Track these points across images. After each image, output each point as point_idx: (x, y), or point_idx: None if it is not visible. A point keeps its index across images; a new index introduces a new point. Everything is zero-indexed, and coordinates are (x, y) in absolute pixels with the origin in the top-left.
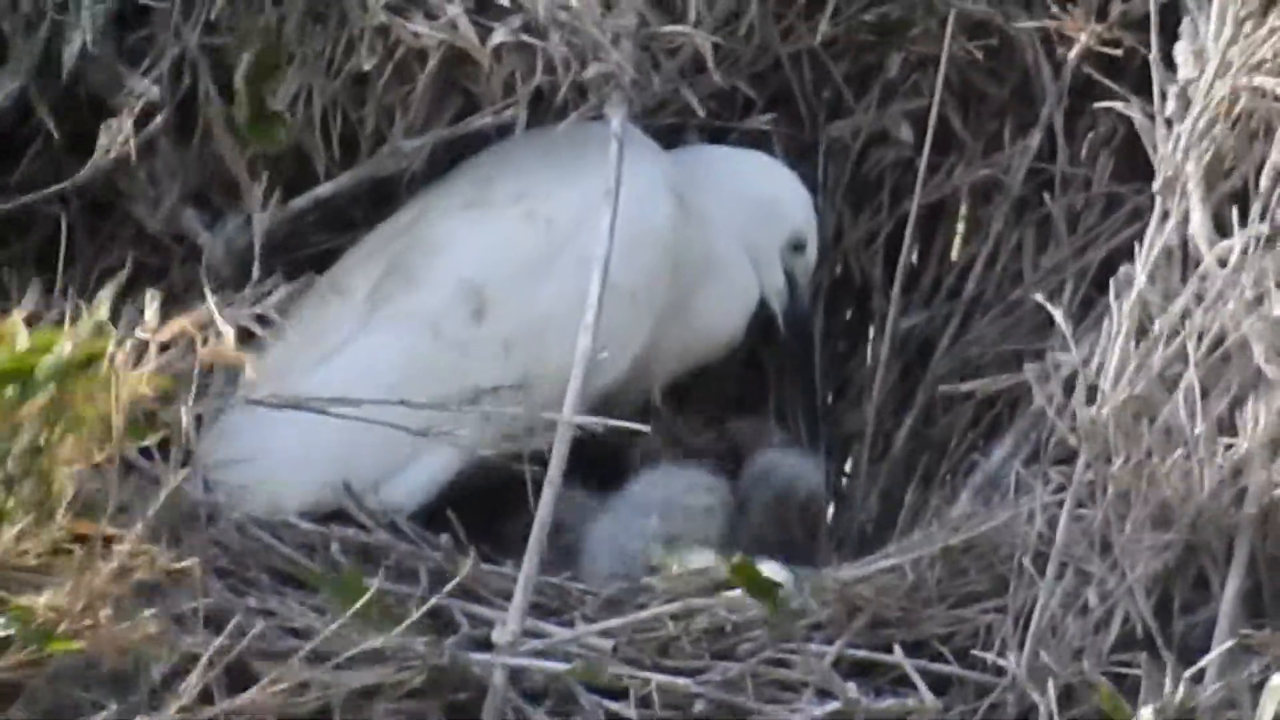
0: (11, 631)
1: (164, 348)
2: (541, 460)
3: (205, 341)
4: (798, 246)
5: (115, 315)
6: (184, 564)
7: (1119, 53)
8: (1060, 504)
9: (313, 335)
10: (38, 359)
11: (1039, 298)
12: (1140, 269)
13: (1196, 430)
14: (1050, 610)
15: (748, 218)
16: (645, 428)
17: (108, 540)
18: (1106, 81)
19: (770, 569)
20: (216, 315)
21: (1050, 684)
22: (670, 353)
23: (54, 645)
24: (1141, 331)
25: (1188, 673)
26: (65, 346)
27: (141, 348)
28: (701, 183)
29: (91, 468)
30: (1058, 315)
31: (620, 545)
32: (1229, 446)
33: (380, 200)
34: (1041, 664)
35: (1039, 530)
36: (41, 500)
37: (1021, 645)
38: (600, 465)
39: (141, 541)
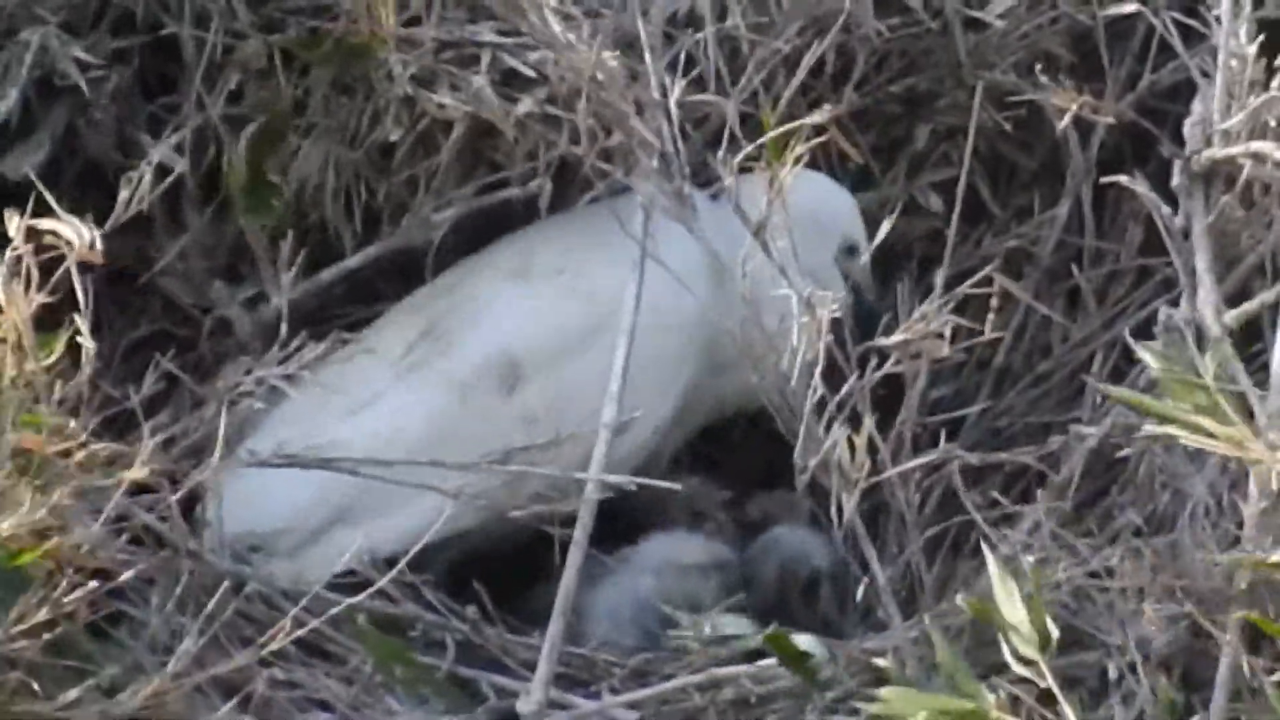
0: None
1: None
2: (564, 523)
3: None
4: (851, 250)
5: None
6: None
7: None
8: (1086, 575)
9: (340, 390)
10: None
11: None
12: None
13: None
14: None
15: (797, 236)
16: (675, 485)
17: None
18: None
19: (803, 640)
20: (75, 221)
21: None
22: (733, 393)
23: (21, 559)
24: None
25: None
26: None
27: (15, 262)
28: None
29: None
30: None
31: (618, 608)
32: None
33: (406, 273)
34: None
35: (1063, 602)
36: None
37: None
38: (616, 528)
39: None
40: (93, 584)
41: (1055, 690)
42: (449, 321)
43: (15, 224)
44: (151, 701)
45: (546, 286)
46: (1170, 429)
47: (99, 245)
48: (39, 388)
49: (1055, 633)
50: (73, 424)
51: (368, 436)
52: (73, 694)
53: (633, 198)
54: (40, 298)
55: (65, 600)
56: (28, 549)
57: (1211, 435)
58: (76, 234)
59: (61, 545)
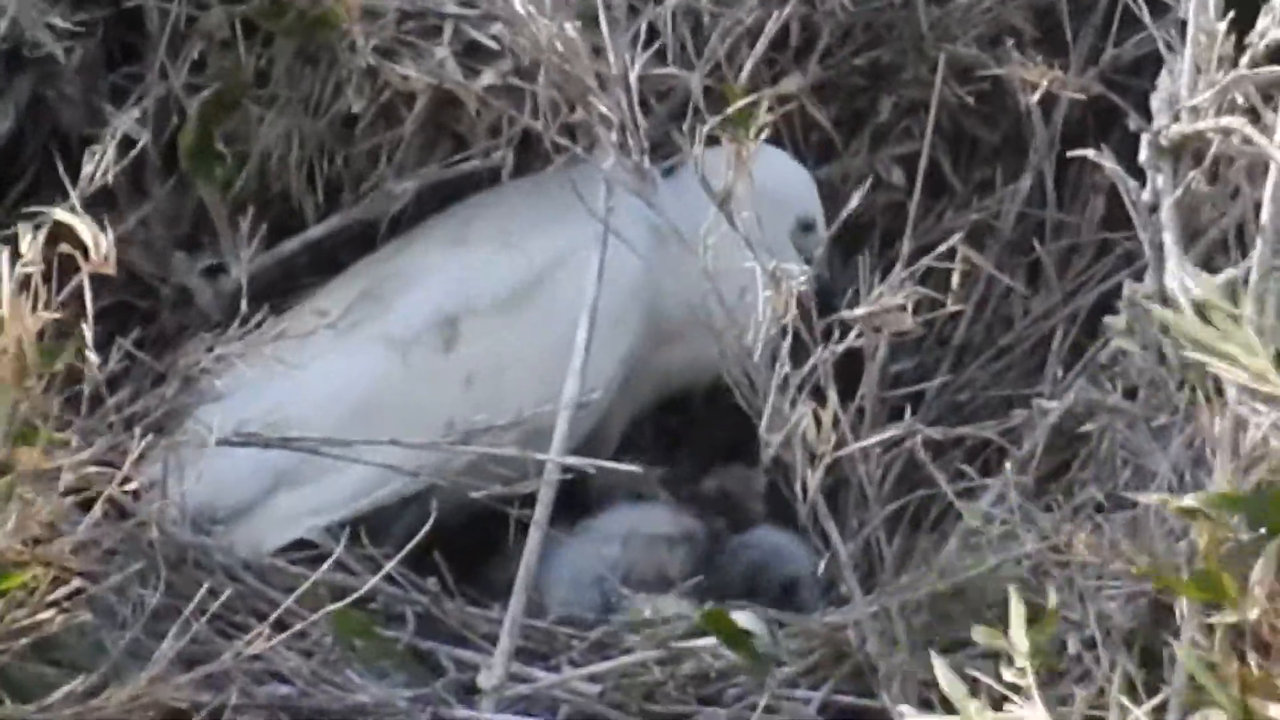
0: None
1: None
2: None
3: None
4: (807, 227)
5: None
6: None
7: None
8: (1049, 550)
9: (281, 353)
10: None
11: None
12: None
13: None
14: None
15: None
16: (634, 468)
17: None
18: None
19: (743, 618)
20: (81, 226)
21: None
22: (679, 366)
23: (6, 583)
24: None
25: None
26: None
27: (25, 280)
28: (698, 196)
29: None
30: None
31: (576, 576)
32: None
33: (368, 243)
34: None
35: (1024, 577)
36: None
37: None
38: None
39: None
40: (75, 584)
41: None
42: (388, 284)
43: (28, 240)
44: (129, 705)
45: (484, 246)
46: (1202, 356)
47: (113, 256)
48: (38, 404)
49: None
50: (73, 442)
51: (308, 398)
52: (50, 698)
53: (584, 167)
54: (49, 314)
55: (46, 602)
56: (13, 566)
57: (1238, 364)
58: (94, 239)
59: (51, 555)
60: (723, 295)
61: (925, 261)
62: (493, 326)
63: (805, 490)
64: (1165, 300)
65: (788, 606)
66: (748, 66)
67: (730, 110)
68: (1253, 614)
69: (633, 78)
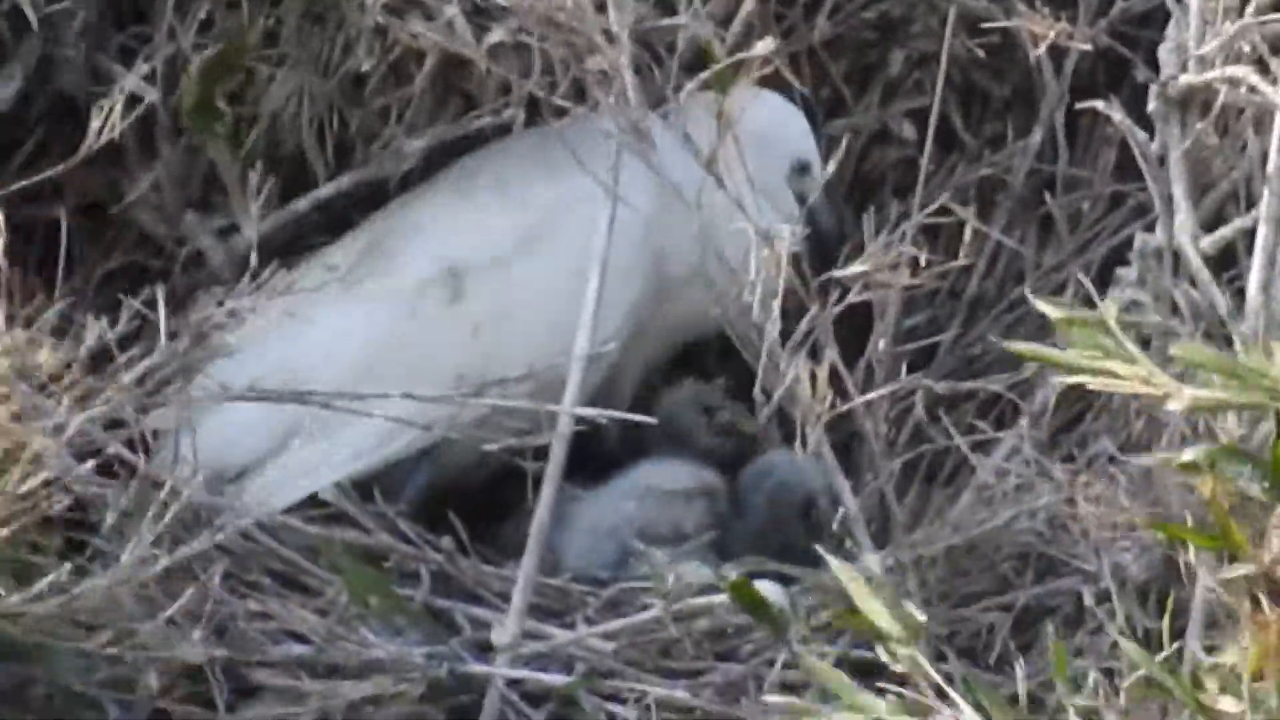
0: None
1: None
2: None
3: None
4: (802, 169)
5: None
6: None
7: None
8: (1062, 503)
9: (290, 308)
10: None
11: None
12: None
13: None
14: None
15: (747, 157)
16: (649, 419)
17: None
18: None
19: (766, 587)
20: None
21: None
22: (684, 317)
23: None
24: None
25: None
26: None
27: None
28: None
29: None
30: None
31: (593, 529)
32: None
33: (378, 202)
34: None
35: (1039, 530)
36: None
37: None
38: (591, 459)
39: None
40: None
41: (942, 684)
42: (393, 238)
43: None
44: (109, 597)
45: (485, 198)
46: (1078, 378)
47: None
48: None
49: (923, 620)
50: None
51: (314, 352)
52: (34, 588)
53: (591, 119)
54: None
55: (25, 490)
56: None
57: (1119, 377)
58: None
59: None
60: (723, 251)
61: (919, 218)
62: (497, 277)
63: (806, 447)
64: (1175, 252)
65: (808, 524)
66: (735, 22)
67: (709, 72)
68: (1266, 561)
69: (625, 35)
